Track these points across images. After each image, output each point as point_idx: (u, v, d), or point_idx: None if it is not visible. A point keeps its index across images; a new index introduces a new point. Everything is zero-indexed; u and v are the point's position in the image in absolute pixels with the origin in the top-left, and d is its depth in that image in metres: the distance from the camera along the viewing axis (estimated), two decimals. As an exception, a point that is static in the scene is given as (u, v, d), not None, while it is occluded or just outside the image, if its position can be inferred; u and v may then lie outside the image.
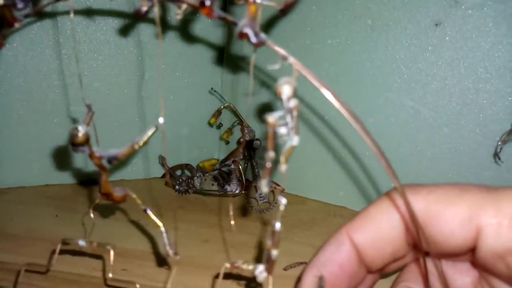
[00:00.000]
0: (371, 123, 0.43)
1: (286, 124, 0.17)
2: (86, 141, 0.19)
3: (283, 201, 0.19)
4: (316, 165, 0.49)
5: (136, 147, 0.19)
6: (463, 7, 0.39)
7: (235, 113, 0.49)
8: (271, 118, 0.17)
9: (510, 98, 0.38)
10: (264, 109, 0.18)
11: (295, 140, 0.18)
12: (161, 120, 0.19)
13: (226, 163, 0.50)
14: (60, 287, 0.29)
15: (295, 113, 0.18)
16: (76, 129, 0.19)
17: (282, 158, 0.19)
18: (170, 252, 0.22)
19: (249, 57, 0.18)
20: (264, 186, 0.18)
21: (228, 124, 0.51)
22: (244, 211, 0.47)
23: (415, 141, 0.43)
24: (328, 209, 0.49)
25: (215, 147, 0.55)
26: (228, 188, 0.49)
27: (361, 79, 0.45)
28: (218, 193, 0.50)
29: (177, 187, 0.50)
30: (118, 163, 0.20)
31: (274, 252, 0.19)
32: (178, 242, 0.33)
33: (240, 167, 0.49)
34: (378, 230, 0.24)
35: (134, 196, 0.22)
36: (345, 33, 0.45)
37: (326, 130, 0.47)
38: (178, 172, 0.51)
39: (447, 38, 0.40)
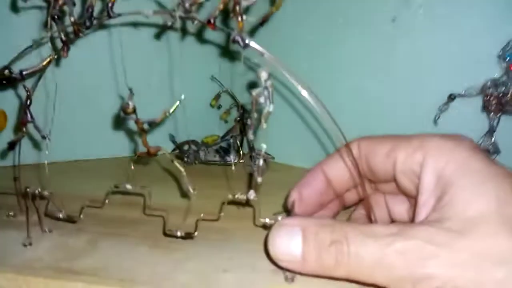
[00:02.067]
0: (341, 103, 0.53)
1: (264, 96, 0.27)
2: (134, 111, 0.29)
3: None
4: (302, 137, 0.59)
5: (167, 114, 0.29)
6: (413, 5, 0.48)
7: (232, 96, 0.59)
8: (254, 92, 0.27)
9: (445, 81, 0.47)
10: (252, 86, 0.27)
11: (270, 107, 0.28)
12: (182, 96, 0.29)
13: (226, 138, 0.60)
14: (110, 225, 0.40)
15: (270, 89, 0.28)
16: (128, 103, 0.29)
17: (262, 119, 0.29)
18: (190, 188, 0.32)
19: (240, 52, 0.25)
20: (250, 135, 0.28)
21: (227, 105, 0.61)
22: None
23: (378, 116, 0.53)
24: (311, 174, 0.59)
25: (216, 125, 0.65)
26: (228, 158, 0.59)
27: (333, 67, 0.54)
28: (220, 163, 0.60)
29: (185, 159, 0.60)
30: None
31: (259, 179, 0.29)
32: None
33: (238, 141, 0.59)
34: (340, 164, 0.35)
35: (165, 150, 0.32)
36: (320, 30, 0.54)
37: (309, 107, 0.56)
38: (186, 147, 0.61)
39: (401, 31, 0.49)
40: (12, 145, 0.35)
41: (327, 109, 0.30)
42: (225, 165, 0.60)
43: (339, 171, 0.35)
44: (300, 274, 0.29)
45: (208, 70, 0.62)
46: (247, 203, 0.31)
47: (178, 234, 0.33)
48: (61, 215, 0.35)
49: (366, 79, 0.53)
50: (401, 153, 0.31)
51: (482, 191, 0.26)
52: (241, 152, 0.59)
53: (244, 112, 0.57)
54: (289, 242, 0.28)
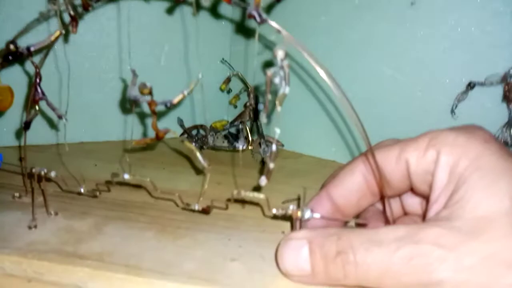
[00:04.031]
0: (355, 88, 0.51)
1: (279, 77, 0.26)
2: (150, 92, 0.28)
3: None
4: (312, 125, 0.58)
5: (186, 93, 0.28)
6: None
7: (242, 80, 0.57)
8: (269, 71, 0.25)
9: (464, 68, 0.46)
10: (267, 65, 0.25)
11: (286, 89, 0.27)
12: (200, 75, 0.28)
13: (235, 123, 0.58)
14: (117, 209, 0.39)
15: (286, 69, 0.26)
16: (145, 84, 0.28)
17: (277, 102, 0.27)
18: (205, 163, 0.31)
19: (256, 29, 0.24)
20: (264, 118, 0.26)
21: (237, 90, 0.60)
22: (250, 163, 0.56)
23: (392, 104, 0.51)
24: (321, 162, 0.58)
25: (225, 110, 0.64)
26: (237, 144, 0.58)
27: (348, 51, 0.53)
28: (228, 149, 0.59)
29: (193, 144, 0.59)
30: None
31: (271, 165, 0.28)
32: (196, 183, 0.42)
33: (247, 127, 0.58)
34: (346, 187, 0.33)
35: (173, 133, 0.31)
36: (336, 11, 0.53)
37: (321, 95, 0.55)
38: (194, 132, 0.60)
39: (420, 15, 0.48)
40: (27, 125, 0.34)
41: (344, 92, 0.28)
42: (233, 151, 0.59)
43: (346, 197, 0.33)
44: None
45: (218, 53, 0.61)
46: (258, 189, 0.30)
47: (196, 207, 0.32)
48: (82, 190, 0.34)
49: (382, 63, 0.51)
50: (412, 154, 0.29)
51: (495, 189, 0.24)
52: (250, 139, 0.58)
53: (255, 97, 0.56)
54: (297, 256, 0.28)
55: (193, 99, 0.61)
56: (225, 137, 0.59)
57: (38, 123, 0.55)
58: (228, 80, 0.58)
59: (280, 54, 0.26)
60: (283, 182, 0.49)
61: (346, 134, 0.55)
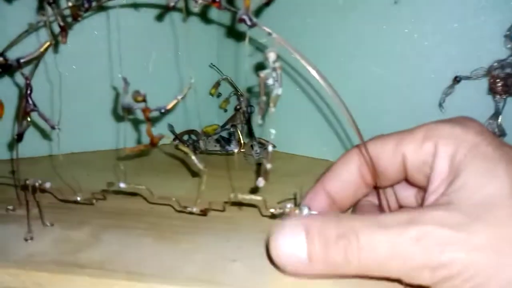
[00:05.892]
0: (345, 88, 0.52)
1: (272, 78, 0.26)
2: (144, 99, 0.28)
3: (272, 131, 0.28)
4: (304, 126, 0.58)
5: (179, 99, 0.28)
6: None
7: (231, 84, 0.58)
8: (262, 73, 0.26)
9: (450, 63, 0.46)
10: (259, 68, 0.26)
11: (279, 90, 0.27)
12: (192, 80, 0.28)
13: (226, 127, 0.58)
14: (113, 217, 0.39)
15: (279, 71, 0.27)
16: (139, 92, 0.28)
17: (271, 103, 0.28)
18: (200, 165, 0.31)
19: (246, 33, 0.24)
20: (259, 120, 0.27)
21: (226, 94, 0.60)
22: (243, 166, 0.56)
23: (382, 101, 0.52)
24: (314, 162, 0.58)
25: (215, 115, 0.64)
26: (229, 148, 0.58)
27: (336, 52, 0.53)
28: (220, 152, 0.59)
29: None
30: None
31: (268, 166, 0.28)
32: (191, 188, 0.42)
33: (239, 130, 0.58)
34: (341, 179, 0.34)
35: (168, 137, 0.31)
36: (321, 12, 0.53)
37: (311, 96, 0.56)
38: (186, 137, 0.60)
39: (403, 13, 0.49)
40: (20, 136, 0.34)
41: (333, 87, 0.29)
42: (226, 155, 0.59)
43: (342, 189, 0.33)
44: (309, 278, 0.28)
45: (206, 59, 0.61)
46: (255, 191, 0.30)
47: (194, 210, 0.33)
48: (79, 198, 0.34)
49: (369, 62, 0.52)
50: (408, 147, 0.30)
51: (494, 174, 0.25)
52: (242, 141, 0.58)
53: (245, 100, 0.56)
54: (292, 242, 0.26)
55: (183, 104, 0.61)
56: (217, 141, 0.59)
57: (29, 136, 0.54)
58: (217, 85, 0.59)
59: (271, 56, 0.26)
60: (278, 182, 0.49)
61: (338, 132, 0.55)
